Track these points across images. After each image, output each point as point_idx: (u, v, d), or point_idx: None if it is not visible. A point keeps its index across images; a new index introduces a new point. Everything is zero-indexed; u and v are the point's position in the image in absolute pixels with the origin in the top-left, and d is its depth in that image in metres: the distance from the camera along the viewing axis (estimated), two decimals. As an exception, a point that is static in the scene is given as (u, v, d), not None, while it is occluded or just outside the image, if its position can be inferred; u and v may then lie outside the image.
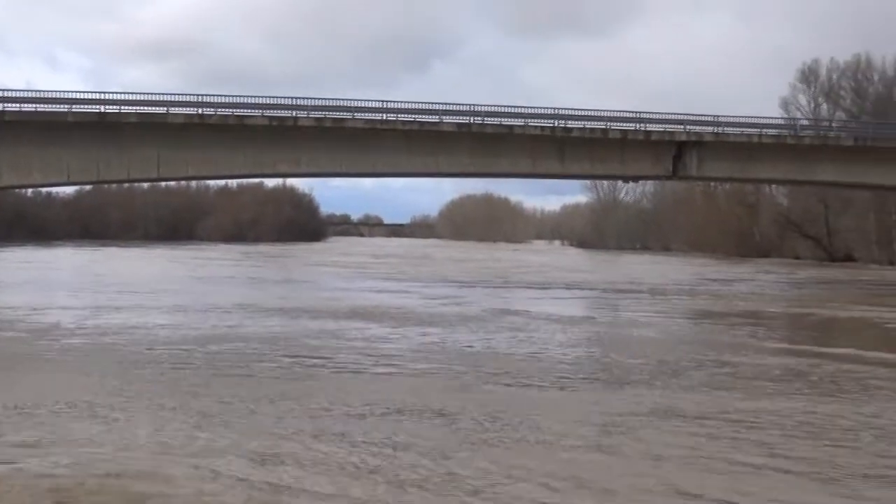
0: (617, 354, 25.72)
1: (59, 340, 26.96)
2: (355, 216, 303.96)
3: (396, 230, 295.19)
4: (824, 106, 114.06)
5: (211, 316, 34.84)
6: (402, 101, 54.86)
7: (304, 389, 19.15)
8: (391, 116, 53.98)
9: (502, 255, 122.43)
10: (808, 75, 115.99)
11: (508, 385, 20.36)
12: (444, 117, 54.76)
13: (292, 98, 53.66)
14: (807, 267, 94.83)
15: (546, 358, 24.92)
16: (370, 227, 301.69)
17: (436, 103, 55.25)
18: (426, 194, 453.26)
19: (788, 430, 15.96)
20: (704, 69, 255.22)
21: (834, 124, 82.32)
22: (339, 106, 54.19)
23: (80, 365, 22.36)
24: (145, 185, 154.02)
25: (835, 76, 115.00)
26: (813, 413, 17.50)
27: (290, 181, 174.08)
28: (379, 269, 76.79)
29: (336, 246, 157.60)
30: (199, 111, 51.76)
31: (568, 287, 58.55)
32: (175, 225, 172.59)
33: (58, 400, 17.34)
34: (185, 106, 51.95)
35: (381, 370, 22.31)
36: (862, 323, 38.65)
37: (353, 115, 53.68)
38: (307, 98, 53.77)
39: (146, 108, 51.37)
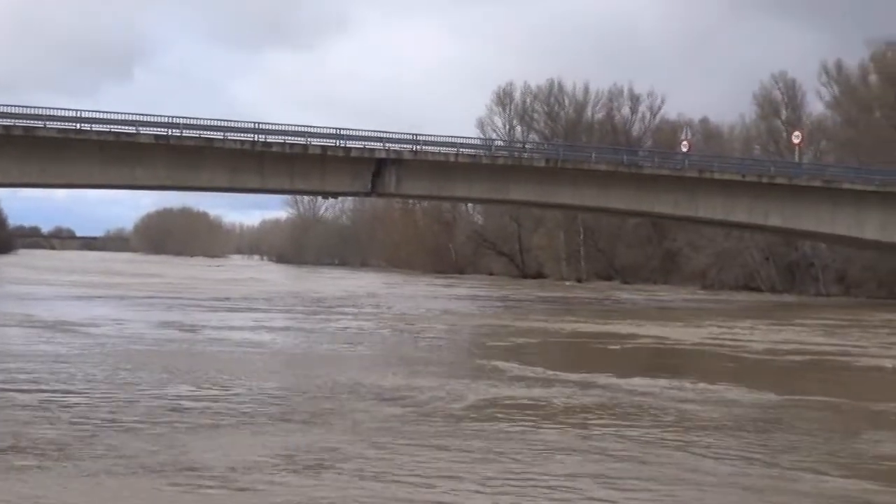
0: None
1: None
2: (46, 228, 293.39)
3: (89, 243, 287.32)
4: (518, 128, 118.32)
5: None
6: (97, 111, 53.66)
7: None
8: (86, 126, 52.45)
9: (226, 275, 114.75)
10: (503, 98, 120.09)
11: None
12: (141, 129, 53.60)
13: (-23, 105, 51.20)
14: (501, 284, 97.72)
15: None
16: (62, 240, 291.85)
17: (133, 114, 54.26)
18: (124, 207, 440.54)
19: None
20: (411, 86, 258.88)
21: (527, 146, 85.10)
22: (30, 114, 52.22)
23: None
24: None
25: (528, 100, 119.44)
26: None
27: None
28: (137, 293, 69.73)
29: (30, 260, 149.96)
30: None
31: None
32: None
33: None
34: None
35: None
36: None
37: (45, 124, 51.87)
38: (-6, 105, 51.45)
39: None
